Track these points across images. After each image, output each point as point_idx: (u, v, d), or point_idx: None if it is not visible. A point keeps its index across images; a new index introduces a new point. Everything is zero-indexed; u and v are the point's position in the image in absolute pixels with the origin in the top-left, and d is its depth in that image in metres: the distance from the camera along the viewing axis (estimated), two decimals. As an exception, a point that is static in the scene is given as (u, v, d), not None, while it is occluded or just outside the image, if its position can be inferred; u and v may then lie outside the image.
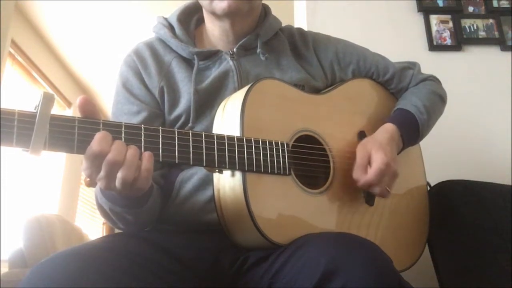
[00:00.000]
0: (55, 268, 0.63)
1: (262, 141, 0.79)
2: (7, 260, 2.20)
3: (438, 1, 1.86)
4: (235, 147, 0.76)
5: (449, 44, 1.81)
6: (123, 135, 0.66)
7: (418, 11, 1.86)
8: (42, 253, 2.11)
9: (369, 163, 0.89)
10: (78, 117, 0.64)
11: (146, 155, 0.67)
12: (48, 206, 3.78)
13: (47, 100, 0.60)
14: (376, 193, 0.89)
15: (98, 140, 0.63)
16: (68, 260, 0.65)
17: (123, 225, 0.85)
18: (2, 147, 0.58)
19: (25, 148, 0.59)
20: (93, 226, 4.71)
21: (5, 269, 2.12)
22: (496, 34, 1.81)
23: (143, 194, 0.74)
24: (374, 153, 0.88)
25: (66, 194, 4.17)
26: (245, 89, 0.84)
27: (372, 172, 0.87)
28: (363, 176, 0.88)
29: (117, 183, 0.66)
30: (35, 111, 0.60)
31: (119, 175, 0.65)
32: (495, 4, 1.87)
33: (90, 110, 0.66)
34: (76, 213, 4.48)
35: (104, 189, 0.70)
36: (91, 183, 0.67)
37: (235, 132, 0.79)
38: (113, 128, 0.66)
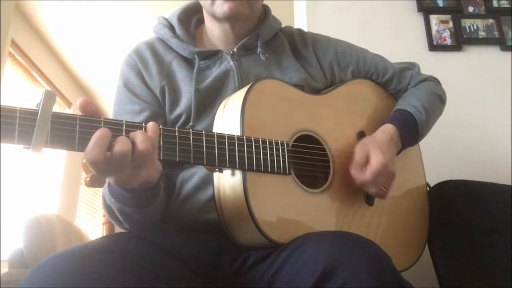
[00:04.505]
0: (55, 268, 0.63)
1: (262, 141, 0.80)
2: (7, 260, 2.20)
3: (438, 1, 1.86)
4: (235, 146, 0.76)
5: (449, 44, 1.81)
6: (124, 134, 0.66)
7: (418, 11, 1.86)
8: (42, 253, 2.11)
9: (367, 162, 0.89)
10: (80, 115, 0.64)
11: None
12: (48, 206, 3.78)
13: (49, 98, 0.60)
14: (372, 192, 0.90)
15: (90, 149, 0.62)
16: (68, 260, 0.65)
17: (129, 225, 0.85)
18: (3, 144, 0.58)
19: (26, 146, 0.59)
20: (93, 226, 4.71)
21: (5, 269, 2.11)
22: (496, 34, 1.81)
23: (152, 189, 0.74)
24: (373, 153, 0.89)
25: (66, 194, 4.16)
26: (245, 89, 0.84)
27: (368, 171, 0.87)
28: (360, 174, 0.88)
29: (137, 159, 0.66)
30: (36, 108, 0.60)
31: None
32: (495, 4, 1.87)
33: (92, 110, 0.66)
34: (76, 213, 4.48)
35: (113, 184, 0.69)
36: (92, 183, 0.67)
37: (236, 131, 0.79)
38: (114, 126, 0.66)
